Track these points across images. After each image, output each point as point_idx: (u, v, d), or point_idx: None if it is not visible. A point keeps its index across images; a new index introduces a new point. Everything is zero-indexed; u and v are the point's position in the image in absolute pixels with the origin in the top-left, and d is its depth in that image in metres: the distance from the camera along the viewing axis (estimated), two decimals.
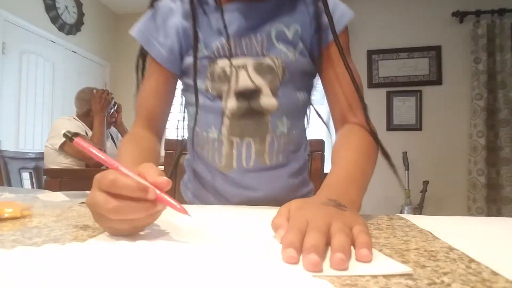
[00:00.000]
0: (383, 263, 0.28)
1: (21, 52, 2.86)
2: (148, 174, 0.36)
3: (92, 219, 0.38)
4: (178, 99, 0.75)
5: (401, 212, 3.08)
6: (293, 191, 0.71)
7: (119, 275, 0.24)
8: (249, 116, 0.65)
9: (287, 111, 0.67)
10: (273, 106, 0.65)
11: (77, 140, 0.41)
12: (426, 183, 3.17)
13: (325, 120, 0.74)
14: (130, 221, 0.35)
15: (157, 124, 0.71)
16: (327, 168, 0.55)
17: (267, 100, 0.64)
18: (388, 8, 3.50)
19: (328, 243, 0.31)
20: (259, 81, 0.64)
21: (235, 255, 0.28)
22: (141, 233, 0.37)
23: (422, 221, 0.45)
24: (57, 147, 1.91)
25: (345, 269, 0.27)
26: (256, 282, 0.23)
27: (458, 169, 3.28)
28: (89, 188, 0.37)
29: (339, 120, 0.66)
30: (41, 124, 3.07)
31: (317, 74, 0.70)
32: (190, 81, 0.67)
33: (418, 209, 3.09)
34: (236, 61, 0.64)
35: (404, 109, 3.44)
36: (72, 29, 3.43)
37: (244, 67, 0.64)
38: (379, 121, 3.35)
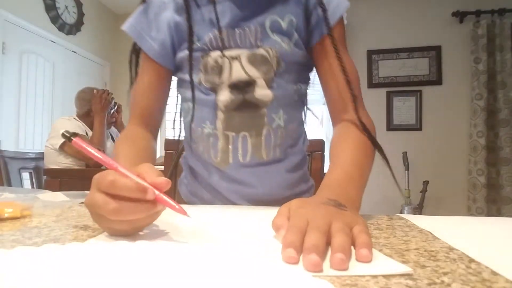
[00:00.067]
0: (383, 263, 0.28)
1: (21, 52, 2.86)
2: (147, 175, 0.36)
3: (92, 219, 0.38)
4: (174, 98, 0.74)
5: (401, 212, 3.07)
6: (292, 187, 0.70)
7: (119, 275, 0.24)
8: (244, 109, 0.63)
9: (283, 104, 0.65)
10: (268, 98, 0.63)
11: (75, 140, 0.40)
12: (426, 183, 3.17)
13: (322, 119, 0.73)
14: (130, 221, 0.35)
15: (152, 121, 0.70)
16: (327, 168, 0.55)
17: (262, 92, 0.63)
18: (388, 8, 3.49)
19: (328, 243, 0.31)
20: (253, 72, 0.62)
21: (235, 255, 0.28)
22: (141, 233, 0.38)
23: (422, 221, 0.45)
24: (57, 147, 1.91)
25: (345, 269, 0.27)
26: (256, 282, 0.23)
27: (458, 169, 3.28)
28: (89, 188, 0.37)
29: (335, 115, 0.65)
30: (41, 124, 3.06)
31: (314, 68, 0.69)
32: (183, 76, 0.66)
33: (418, 209, 3.09)
34: (230, 53, 0.63)
35: (404, 109, 3.44)
36: (72, 29, 3.42)
37: (238, 58, 0.63)
38: (379, 121, 3.34)
